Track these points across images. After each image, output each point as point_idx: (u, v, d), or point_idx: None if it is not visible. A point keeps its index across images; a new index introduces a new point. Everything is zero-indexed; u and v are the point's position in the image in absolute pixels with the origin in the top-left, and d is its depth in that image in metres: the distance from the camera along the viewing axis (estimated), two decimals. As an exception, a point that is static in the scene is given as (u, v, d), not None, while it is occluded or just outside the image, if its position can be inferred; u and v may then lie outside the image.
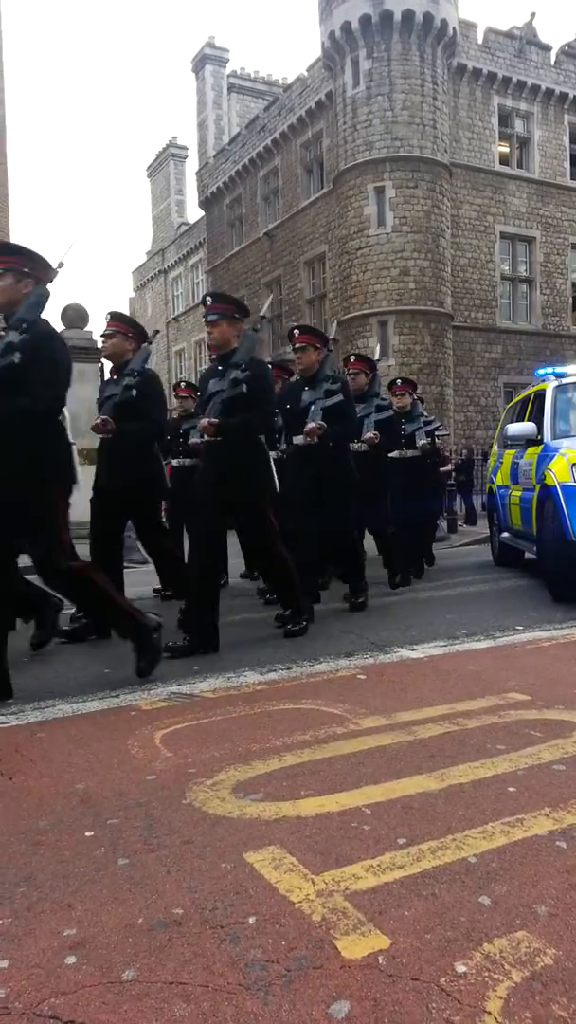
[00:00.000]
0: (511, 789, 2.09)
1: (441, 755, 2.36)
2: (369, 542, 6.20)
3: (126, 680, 3.44)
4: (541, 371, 6.95)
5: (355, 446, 5.48)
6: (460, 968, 1.33)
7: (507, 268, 23.37)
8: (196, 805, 2.05)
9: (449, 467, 16.83)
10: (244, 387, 3.99)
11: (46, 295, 3.35)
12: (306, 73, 24.05)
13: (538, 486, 5.77)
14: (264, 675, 3.50)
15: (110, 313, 4.67)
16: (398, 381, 7.18)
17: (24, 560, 3.50)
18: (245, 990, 1.29)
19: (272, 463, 4.39)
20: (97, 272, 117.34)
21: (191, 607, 4.06)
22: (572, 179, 24.20)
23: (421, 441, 6.83)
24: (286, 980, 1.31)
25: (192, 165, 34.98)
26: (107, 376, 5.00)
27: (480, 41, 22.26)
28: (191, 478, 5.39)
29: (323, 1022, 1.21)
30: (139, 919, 1.52)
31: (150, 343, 4.79)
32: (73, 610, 4.48)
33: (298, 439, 4.83)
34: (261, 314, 5.48)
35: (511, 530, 7.25)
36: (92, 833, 1.91)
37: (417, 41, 19.81)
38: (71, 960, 1.39)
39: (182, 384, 7.28)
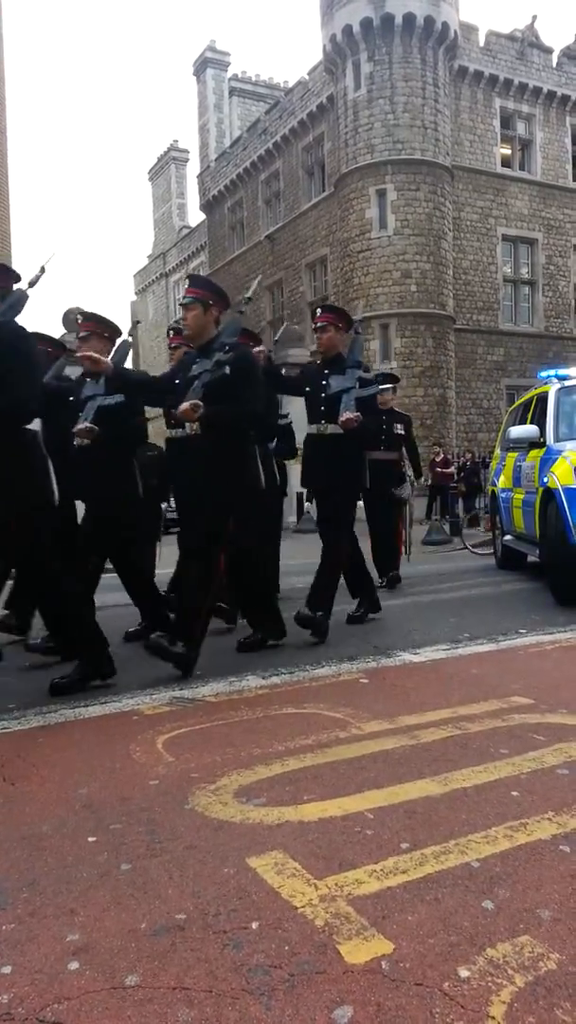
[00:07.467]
0: (514, 793, 2.08)
1: (444, 759, 2.36)
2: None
3: (128, 685, 3.44)
4: (544, 373, 6.94)
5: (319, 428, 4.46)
6: (463, 973, 1.32)
7: (509, 270, 23.38)
8: (198, 810, 2.05)
9: (451, 469, 16.87)
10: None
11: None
12: (307, 76, 24.12)
13: (541, 489, 5.76)
14: (266, 679, 3.49)
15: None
16: (318, 311, 4.71)
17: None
18: (248, 995, 1.29)
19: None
20: (98, 275, 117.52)
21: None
22: (574, 181, 24.23)
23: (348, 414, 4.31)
24: (289, 985, 1.31)
25: (193, 169, 35.10)
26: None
27: (481, 44, 22.32)
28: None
29: (326, 1028, 1.21)
30: (142, 924, 1.52)
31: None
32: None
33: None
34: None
35: (514, 533, 7.24)
36: (95, 838, 1.91)
37: (418, 44, 19.86)
38: (74, 966, 1.39)
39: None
